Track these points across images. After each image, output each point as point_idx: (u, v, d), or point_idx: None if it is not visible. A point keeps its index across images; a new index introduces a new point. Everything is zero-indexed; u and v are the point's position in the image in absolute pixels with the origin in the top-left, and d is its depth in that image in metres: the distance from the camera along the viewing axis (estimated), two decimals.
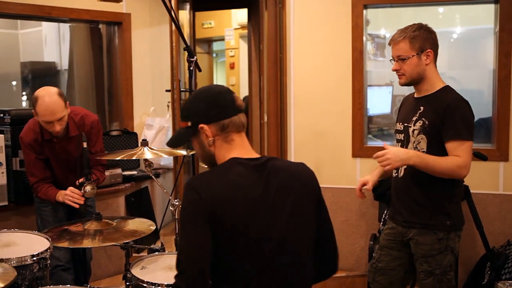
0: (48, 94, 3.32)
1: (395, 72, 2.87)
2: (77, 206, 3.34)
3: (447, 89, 2.83)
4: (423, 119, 2.79)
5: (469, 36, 4.54)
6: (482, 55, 4.42)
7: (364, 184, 3.00)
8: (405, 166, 2.84)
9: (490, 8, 4.23)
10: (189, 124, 1.99)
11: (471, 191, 3.70)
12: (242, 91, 9.57)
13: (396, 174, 2.94)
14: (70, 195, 3.34)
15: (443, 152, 2.74)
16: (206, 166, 2.11)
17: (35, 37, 5.76)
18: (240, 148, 1.98)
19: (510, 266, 3.77)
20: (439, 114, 2.73)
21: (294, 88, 4.51)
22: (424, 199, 2.81)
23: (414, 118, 2.84)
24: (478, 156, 3.71)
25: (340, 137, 4.37)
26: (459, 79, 4.58)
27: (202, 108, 1.96)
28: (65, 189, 3.45)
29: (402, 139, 2.91)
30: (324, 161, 4.45)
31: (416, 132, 2.82)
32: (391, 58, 2.88)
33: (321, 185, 4.47)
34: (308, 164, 4.69)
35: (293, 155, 4.54)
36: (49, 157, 3.53)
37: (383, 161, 2.71)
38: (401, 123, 2.95)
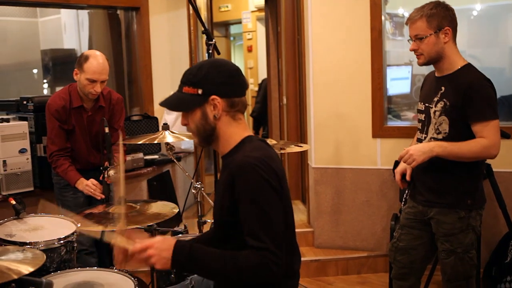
0: (100, 55, 3.47)
1: (413, 52, 2.83)
2: (98, 197, 3.38)
3: (468, 68, 2.77)
4: (444, 100, 2.75)
5: (490, 13, 4.47)
6: (503, 32, 4.36)
7: (403, 173, 2.99)
8: None
9: None
10: (199, 92, 1.94)
11: (494, 169, 3.67)
12: (260, 74, 9.57)
13: None
14: (92, 188, 3.38)
15: (467, 133, 2.70)
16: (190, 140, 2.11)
17: (55, 24, 5.79)
18: (247, 128, 2.02)
19: None
20: (461, 95, 2.68)
21: (313, 70, 4.49)
22: (444, 179, 2.78)
23: (436, 99, 2.79)
24: (502, 134, 3.67)
25: (359, 118, 4.35)
26: (479, 57, 4.53)
27: (219, 80, 1.94)
28: (87, 165, 3.53)
29: (423, 119, 2.88)
30: (344, 142, 4.44)
31: (437, 113, 2.77)
32: (409, 38, 2.83)
33: (341, 166, 4.51)
34: (328, 145, 4.73)
35: (313, 137, 4.54)
36: (75, 127, 3.56)
37: (407, 159, 2.70)
38: (422, 103, 2.91)
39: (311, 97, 4.54)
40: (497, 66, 4.44)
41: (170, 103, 2.03)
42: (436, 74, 2.87)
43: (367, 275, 4.43)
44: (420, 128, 2.91)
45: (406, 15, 4.51)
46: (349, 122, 4.38)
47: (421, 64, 2.84)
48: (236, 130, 1.99)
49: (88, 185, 3.38)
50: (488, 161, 3.56)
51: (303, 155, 5.25)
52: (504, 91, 4.26)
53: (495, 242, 4.08)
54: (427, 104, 2.85)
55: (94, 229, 2.80)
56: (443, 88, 2.77)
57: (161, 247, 1.85)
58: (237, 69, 2.01)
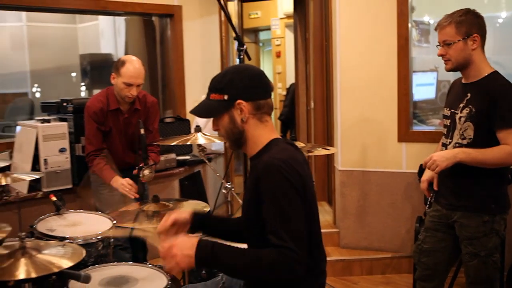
0: (136, 60, 3.50)
1: (441, 57, 2.79)
2: (132, 197, 3.37)
3: (494, 76, 2.72)
4: (470, 106, 2.70)
5: None
6: None
7: (430, 181, 2.96)
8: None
9: None
10: (225, 97, 1.95)
11: None
12: (288, 79, 9.55)
13: None
14: (127, 188, 3.34)
15: (492, 139, 2.65)
16: (223, 142, 2.13)
17: (92, 30, 5.87)
18: (274, 130, 2.02)
19: None
20: (486, 102, 2.64)
21: (340, 75, 4.48)
22: (468, 183, 2.74)
23: (461, 105, 2.75)
24: None
25: (385, 122, 4.32)
26: (504, 64, 4.46)
27: (243, 84, 1.95)
28: (122, 164, 3.54)
29: (449, 125, 2.84)
30: (370, 146, 4.42)
31: (463, 119, 2.73)
32: (438, 43, 2.80)
33: (367, 169, 4.49)
34: (354, 148, 4.72)
35: (340, 141, 4.53)
36: (112, 129, 3.59)
37: (431, 165, 2.67)
38: (448, 109, 2.87)
39: (338, 102, 4.53)
40: None
41: (199, 111, 2.05)
42: (463, 81, 2.83)
43: (391, 276, 4.40)
44: (445, 133, 2.88)
45: (432, 22, 4.49)
46: (375, 126, 4.36)
47: (448, 70, 2.80)
48: (263, 132, 2.00)
49: (124, 184, 3.36)
50: None
51: (329, 158, 5.24)
52: None
53: None
54: (453, 110, 2.81)
55: (128, 226, 2.84)
56: (469, 94, 2.73)
57: (183, 245, 1.86)
58: (261, 73, 2.02)
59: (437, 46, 2.81)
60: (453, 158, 2.63)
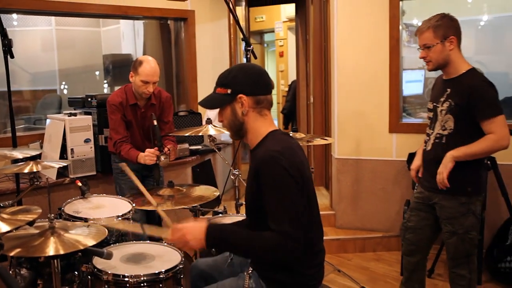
0: (152, 60, 3.48)
1: (422, 59, 2.81)
2: (152, 162, 3.34)
3: (472, 72, 2.73)
4: (449, 100, 2.73)
5: (495, 23, 4.38)
6: (507, 41, 4.27)
7: (418, 169, 2.99)
8: (432, 141, 2.82)
9: None
10: (228, 91, 1.97)
11: (498, 162, 3.60)
12: (290, 76, 9.54)
13: (425, 147, 2.91)
14: (150, 155, 3.31)
15: (470, 129, 2.68)
16: (227, 132, 2.12)
17: (114, 33, 5.85)
18: (272, 123, 2.02)
19: None
20: (465, 96, 2.65)
21: (337, 73, 4.47)
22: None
23: (442, 99, 2.77)
24: None
25: (378, 115, 4.32)
26: (485, 63, 4.44)
27: (245, 80, 1.96)
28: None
29: (432, 117, 2.87)
30: (363, 137, 4.42)
31: (443, 112, 2.75)
32: (418, 47, 2.81)
33: (360, 157, 4.49)
34: (349, 139, 4.71)
35: (336, 132, 4.52)
36: (131, 121, 3.59)
37: (442, 180, 2.70)
38: (431, 103, 2.89)
39: (335, 97, 4.51)
40: (501, 71, 4.35)
41: (205, 102, 2.06)
42: (444, 77, 2.84)
43: (381, 253, 4.40)
44: (429, 125, 2.90)
45: (420, 24, 4.46)
46: (368, 119, 4.35)
47: (430, 70, 2.82)
48: (262, 125, 2.00)
49: (146, 155, 3.34)
50: (493, 154, 3.50)
51: (327, 147, 5.23)
52: (509, 93, 4.19)
53: (497, 226, 4.01)
54: (435, 104, 2.83)
55: (145, 208, 2.86)
56: (448, 90, 2.75)
57: (193, 230, 1.89)
58: (262, 72, 2.02)
59: (418, 49, 2.82)
60: (451, 159, 2.67)
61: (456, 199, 2.74)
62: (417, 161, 2.99)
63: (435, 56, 2.74)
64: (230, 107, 1.99)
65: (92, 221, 2.58)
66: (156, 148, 3.30)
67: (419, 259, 3.01)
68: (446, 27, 2.70)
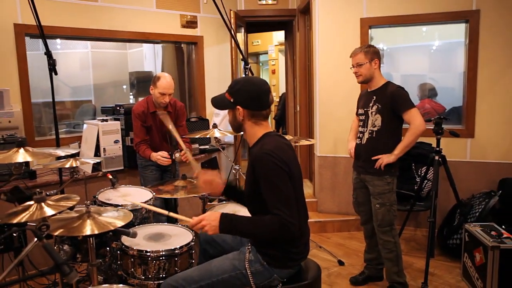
0: (168, 75, 3.49)
1: (355, 73, 3.04)
2: (165, 163, 3.37)
3: (388, 83, 2.99)
4: (377, 104, 2.96)
5: (445, 48, 4.40)
6: (455, 61, 4.28)
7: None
8: (367, 136, 3.01)
9: (462, 26, 4.09)
10: (231, 100, 1.95)
11: (448, 159, 3.63)
12: (281, 89, 9.53)
13: (360, 141, 3.08)
14: (161, 158, 3.38)
15: (392, 125, 2.92)
16: (233, 135, 2.11)
17: (138, 54, 5.85)
18: (268, 127, 2.00)
19: (473, 212, 3.70)
20: (388, 100, 2.89)
21: (319, 87, 4.47)
22: (376, 154, 2.96)
23: (371, 104, 3.00)
24: (453, 134, 3.63)
25: (351, 121, 4.30)
26: (437, 79, 4.46)
27: (244, 96, 1.93)
28: (160, 150, 3.52)
29: (364, 119, 3.06)
30: (340, 138, 4.42)
31: (373, 113, 2.97)
32: (352, 66, 3.04)
33: (337, 155, 4.47)
34: (328, 140, 4.68)
35: (318, 134, 4.52)
36: (152, 126, 3.58)
37: (379, 164, 2.92)
38: (362, 109, 3.10)
39: (317, 106, 4.52)
40: (450, 86, 4.37)
41: (214, 102, 2.04)
42: (368, 90, 3.08)
43: (354, 232, 4.41)
44: (361, 125, 3.10)
45: (385, 48, 4.47)
46: (344, 124, 4.34)
47: (359, 82, 3.08)
48: (257, 130, 1.98)
49: (158, 154, 3.41)
50: (444, 152, 3.52)
51: (310, 147, 5.24)
52: (455, 104, 4.20)
53: (446, 211, 4.03)
54: (366, 109, 3.05)
55: (164, 196, 2.86)
56: (374, 97, 2.99)
57: (210, 218, 1.89)
58: (262, 91, 1.95)
59: (350, 68, 3.06)
60: (393, 157, 2.88)
61: (384, 179, 2.93)
62: (351, 144, 3.20)
63: (364, 72, 2.98)
64: (232, 112, 1.99)
65: (120, 207, 2.59)
66: (167, 153, 3.36)
67: (372, 226, 3.16)
68: (372, 53, 2.97)
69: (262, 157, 1.85)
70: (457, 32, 4.16)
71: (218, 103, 2.03)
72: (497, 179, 3.95)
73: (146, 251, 2.23)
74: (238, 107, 1.93)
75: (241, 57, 3.34)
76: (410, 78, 4.53)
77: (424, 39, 4.44)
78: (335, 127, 4.43)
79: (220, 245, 2.27)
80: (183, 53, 5.45)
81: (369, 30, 4.25)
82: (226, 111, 2.05)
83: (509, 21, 3.88)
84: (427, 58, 4.50)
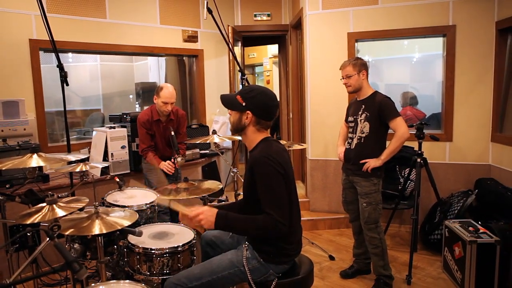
0: (170, 86, 3.50)
1: (345, 84, 3.05)
2: (170, 173, 3.40)
3: (376, 93, 2.99)
4: (366, 112, 2.95)
5: (425, 59, 4.42)
6: (434, 72, 4.30)
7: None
8: (355, 142, 3.01)
9: (440, 40, 4.12)
10: (243, 104, 1.93)
11: (429, 161, 3.64)
12: None
13: (349, 146, 3.09)
14: (167, 166, 3.43)
15: (379, 132, 2.93)
16: (231, 141, 2.10)
17: (143, 66, 5.86)
18: (267, 134, 2.00)
19: (452, 210, 3.70)
20: (376, 108, 2.89)
21: (310, 96, 4.48)
22: (363, 158, 2.97)
23: (360, 112, 2.99)
24: (433, 138, 3.64)
25: (339, 127, 4.33)
26: (418, 88, 4.48)
27: (258, 105, 1.92)
28: (164, 155, 3.55)
29: (353, 126, 3.07)
30: (329, 143, 4.42)
31: (362, 120, 2.97)
32: (341, 77, 3.04)
33: (328, 158, 4.47)
34: (319, 145, 4.69)
35: (310, 140, 4.53)
36: (155, 132, 3.58)
37: (366, 167, 2.92)
38: (352, 116, 3.09)
39: (309, 113, 4.52)
40: (429, 94, 4.39)
41: (224, 99, 2.02)
42: (358, 99, 3.07)
43: (344, 229, 4.41)
44: (351, 131, 3.10)
45: (371, 60, 4.49)
46: (333, 130, 4.36)
47: (349, 92, 3.07)
48: (257, 136, 1.98)
49: (165, 164, 3.44)
50: (425, 155, 3.53)
51: (303, 151, 5.24)
52: (434, 110, 4.22)
53: (428, 209, 4.04)
54: (355, 117, 3.04)
55: (167, 197, 2.84)
56: (363, 106, 2.99)
57: (207, 213, 1.87)
58: (274, 105, 1.96)
59: (341, 79, 3.06)
60: (380, 162, 2.89)
61: (371, 181, 2.93)
62: (340, 149, 3.19)
63: (353, 83, 2.98)
64: (239, 114, 1.96)
65: (127, 208, 2.57)
66: (172, 161, 3.37)
67: (359, 223, 3.16)
68: (360, 65, 2.98)
69: (261, 159, 1.85)
70: (436, 45, 4.19)
71: (228, 102, 2.00)
72: (473, 179, 3.97)
73: (151, 249, 2.22)
74: (248, 112, 1.93)
75: (238, 68, 3.35)
76: (393, 87, 4.55)
77: (405, 51, 4.47)
78: (325, 132, 4.43)
79: (220, 246, 2.26)
80: (185, 65, 5.45)
81: (356, 44, 4.27)
82: (226, 116, 2.06)
83: (482, 35, 3.91)
84: (408, 68, 4.52)
